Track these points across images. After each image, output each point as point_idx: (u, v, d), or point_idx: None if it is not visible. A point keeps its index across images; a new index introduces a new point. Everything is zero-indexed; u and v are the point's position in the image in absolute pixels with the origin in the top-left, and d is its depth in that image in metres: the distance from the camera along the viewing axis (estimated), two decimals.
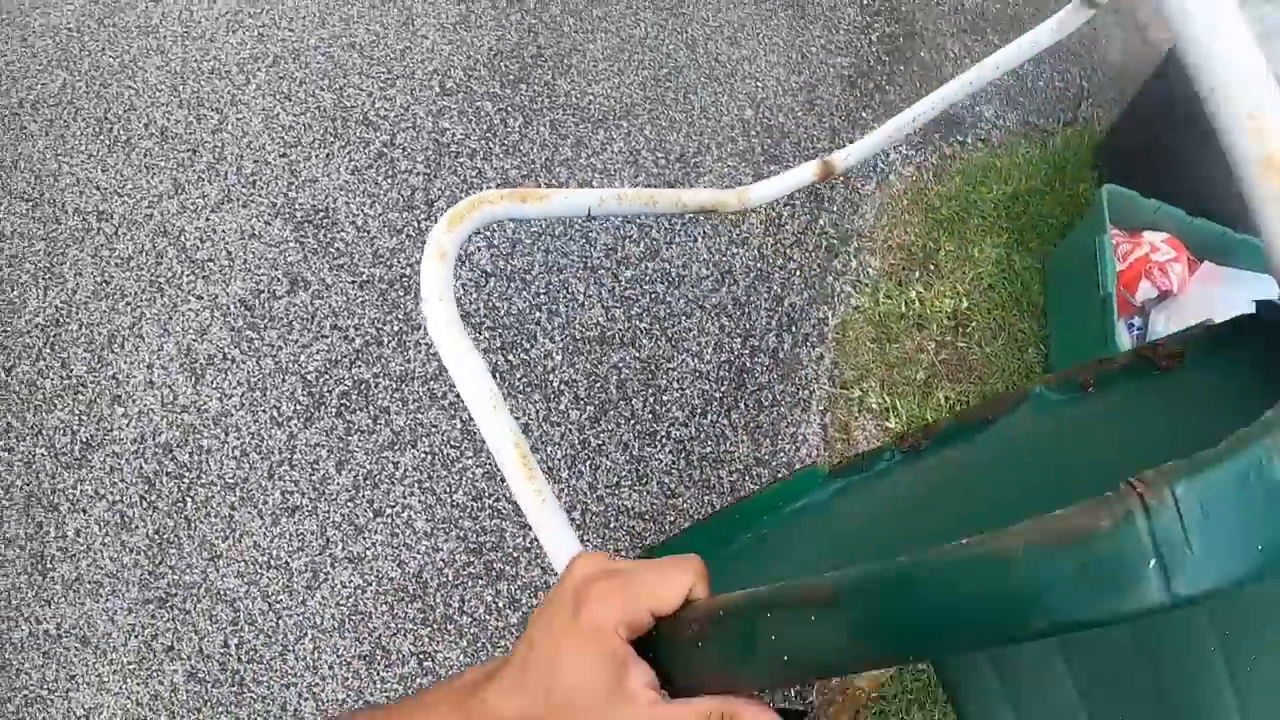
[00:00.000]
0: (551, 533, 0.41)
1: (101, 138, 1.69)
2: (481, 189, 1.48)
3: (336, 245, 1.54)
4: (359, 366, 1.46)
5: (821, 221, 1.60)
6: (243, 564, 1.37)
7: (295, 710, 1.33)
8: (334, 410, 1.44)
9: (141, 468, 1.46)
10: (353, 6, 1.81)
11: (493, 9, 1.77)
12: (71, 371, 1.58)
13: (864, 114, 1.75)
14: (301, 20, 1.82)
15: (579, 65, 1.72)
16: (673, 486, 1.38)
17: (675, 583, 0.26)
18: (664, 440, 1.39)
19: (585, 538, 1.37)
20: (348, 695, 1.28)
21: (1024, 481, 0.36)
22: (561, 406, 1.41)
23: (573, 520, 1.34)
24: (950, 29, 1.92)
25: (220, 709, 1.38)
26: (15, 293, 1.64)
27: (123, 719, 1.40)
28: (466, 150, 1.62)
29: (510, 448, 0.41)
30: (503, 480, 1.42)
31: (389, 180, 1.59)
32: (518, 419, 1.44)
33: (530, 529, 1.22)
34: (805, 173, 0.73)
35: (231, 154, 1.70)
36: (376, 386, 1.46)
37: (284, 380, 1.46)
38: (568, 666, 0.26)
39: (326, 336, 1.49)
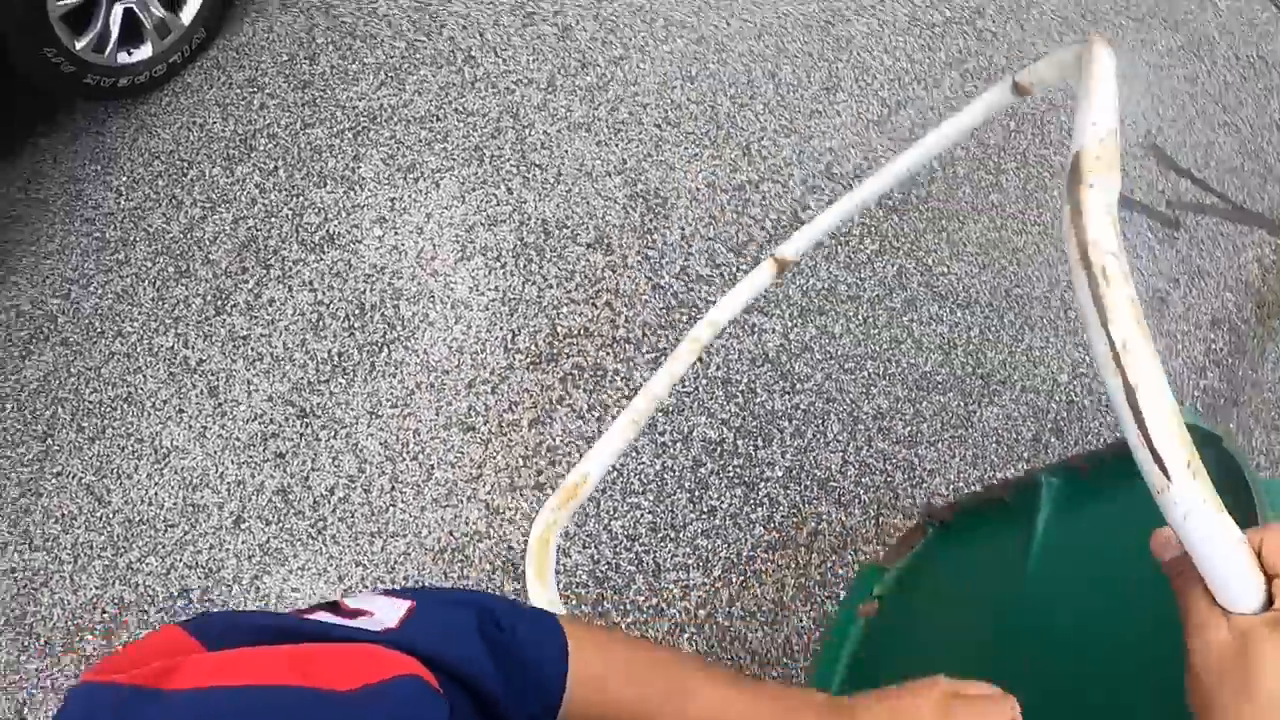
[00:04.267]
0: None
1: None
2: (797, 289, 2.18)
3: (655, 237, 2.24)
4: (607, 352, 2.12)
5: None
6: (393, 438, 2.00)
7: (342, 587, 1.92)
8: (560, 374, 2.10)
9: (364, 292, 2.15)
10: (791, 42, 2.61)
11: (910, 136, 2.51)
12: (357, 170, 2.32)
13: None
14: (742, 22, 2.62)
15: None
16: (789, 640, 1.94)
17: (1004, 714, 0.59)
18: (816, 603, 1.95)
19: (692, 638, 1.93)
20: None
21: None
22: (752, 516, 2.02)
23: (690, 614, 1.92)
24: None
25: (284, 535, 1.99)
26: (355, 69, 2.42)
27: (196, 475, 2.01)
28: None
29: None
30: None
31: (735, 215, 2.31)
32: (710, 498, 2.05)
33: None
34: (762, 277, 1.06)
35: (614, 92, 2.48)
36: (612, 378, 2.11)
37: (535, 316, 2.13)
38: None
39: (597, 308, 2.17)
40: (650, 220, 2.19)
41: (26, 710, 2.04)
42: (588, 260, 2.13)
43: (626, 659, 0.57)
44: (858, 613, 0.89)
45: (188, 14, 2.52)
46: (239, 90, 2.53)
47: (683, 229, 2.20)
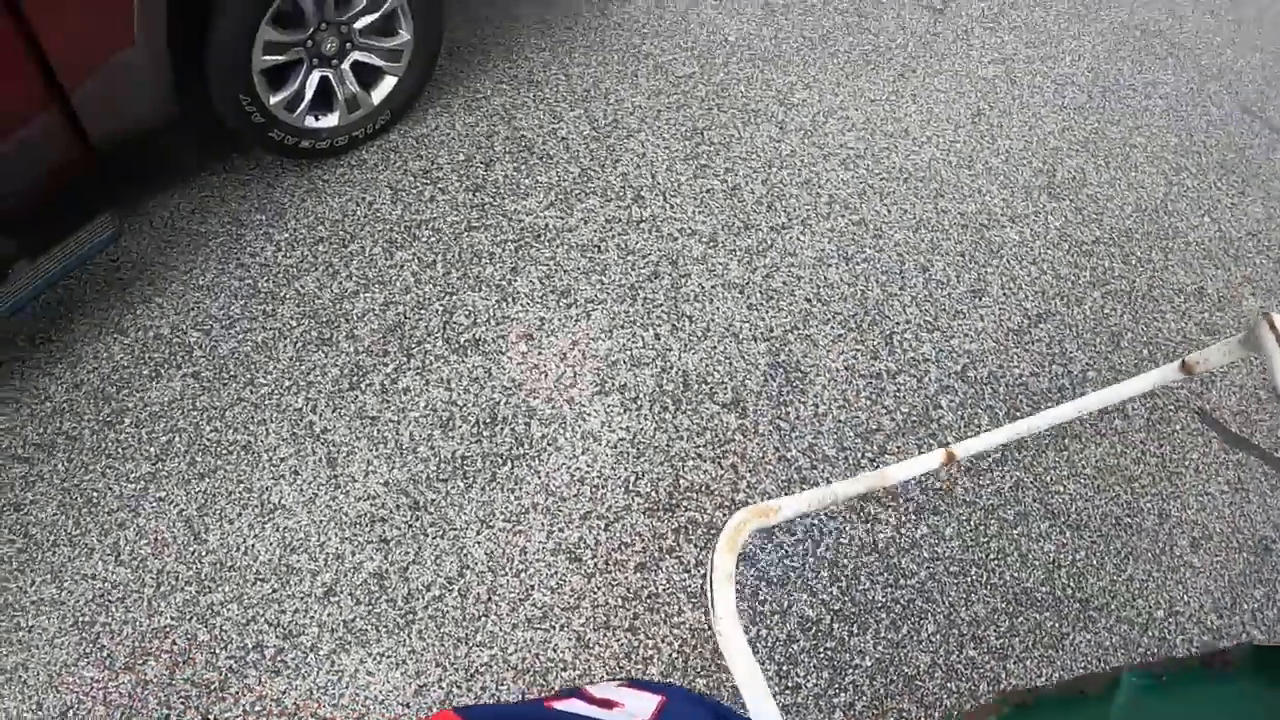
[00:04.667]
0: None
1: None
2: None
3: (789, 409, 2.45)
4: (724, 512, 2.32)
5: None
6: (499, 551, 2.16)
7: (418, 682, 2.03)
8: (675, 525, 2.28)
9: (498, 403, 2.40)
10: (946, 239, 2.90)
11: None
12: (513, 283, 2.61)
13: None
14: (902, 211, 2.94)
15: None
16: None
17: None
18: None
19: None
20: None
21: None
22: (835, 700, 2.16)
23: None
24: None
25: (371, 618, 2.10)
26: (528, 184, 2.66)
27: (297, 538, 2.16)
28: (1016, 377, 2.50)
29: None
30: None
31: (868, 402, 2.53)
32: (796, 675, 2.19)
33: None
34: (933, 460, 1.24)
35: (772, 259, 2.84)
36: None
37: (660, 464, 2.32)
38: None
39: (721, 469, 2.37)
40: (787, 392, 2.40)
41: (72, 714, 2.14)
42: (721, 419, 2.33)
43: None
44: None
45: (378, 94, 2.79)
46: (413, 178, 2.78)
47: (816, 406, 2.40)
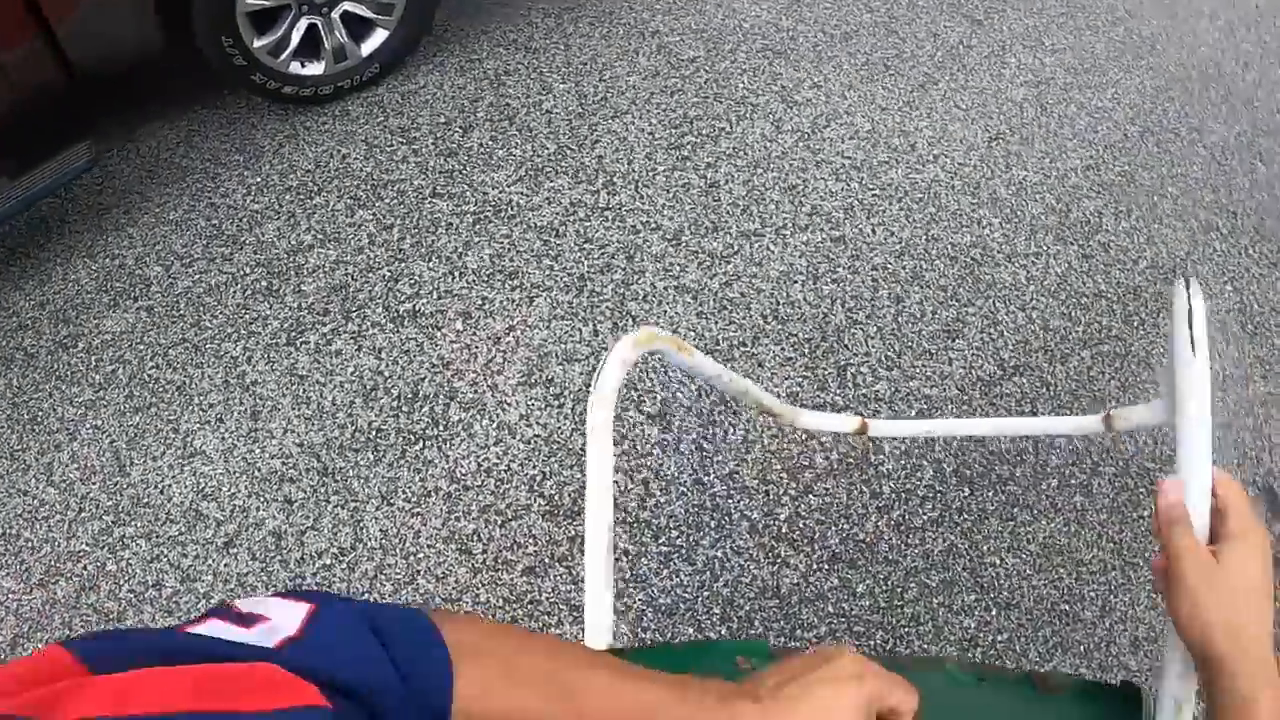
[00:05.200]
0: (599, 603, 0.92)
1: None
2: None
3: (715, 430, 2.39)
4: (623, 530, 2.28)
5: None
6: (394, 530, 2.19)
7: None
8: (572, 533, 2.27)
9: (423, 379, 2.42)
10: (930, 270, 2.77)
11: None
12: (463, 257, 2.61)
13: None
14: (889, 233, 2.85)
15: None
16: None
17: (914, 702, 0.61)
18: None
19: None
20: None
21: None
22: None
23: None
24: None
25: (262, 575, 2.19)
26: (501, 155, 2.63)
27: (210, 485, 2.22)
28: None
29: (603, 531, 0.91)
30: None
31: (804, 436, 2.44)
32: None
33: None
34: (845, 423, 1.35)
35: (735, 266, 2.74)
36: (620, 556, 2.26)
37: (570, 468, 2.31)
38: (838, 713, 0.57)
39: (633, 483, 2.33)
40: (719, 412, 2.35)
41: None
42: (643, 431, 2.30)
43: (506, 660, 0.57)
44: None
45: (368, 46, 2.79)
46: (389, 135, 2.78)
47: (747, 432, 2.35)
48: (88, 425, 2.48)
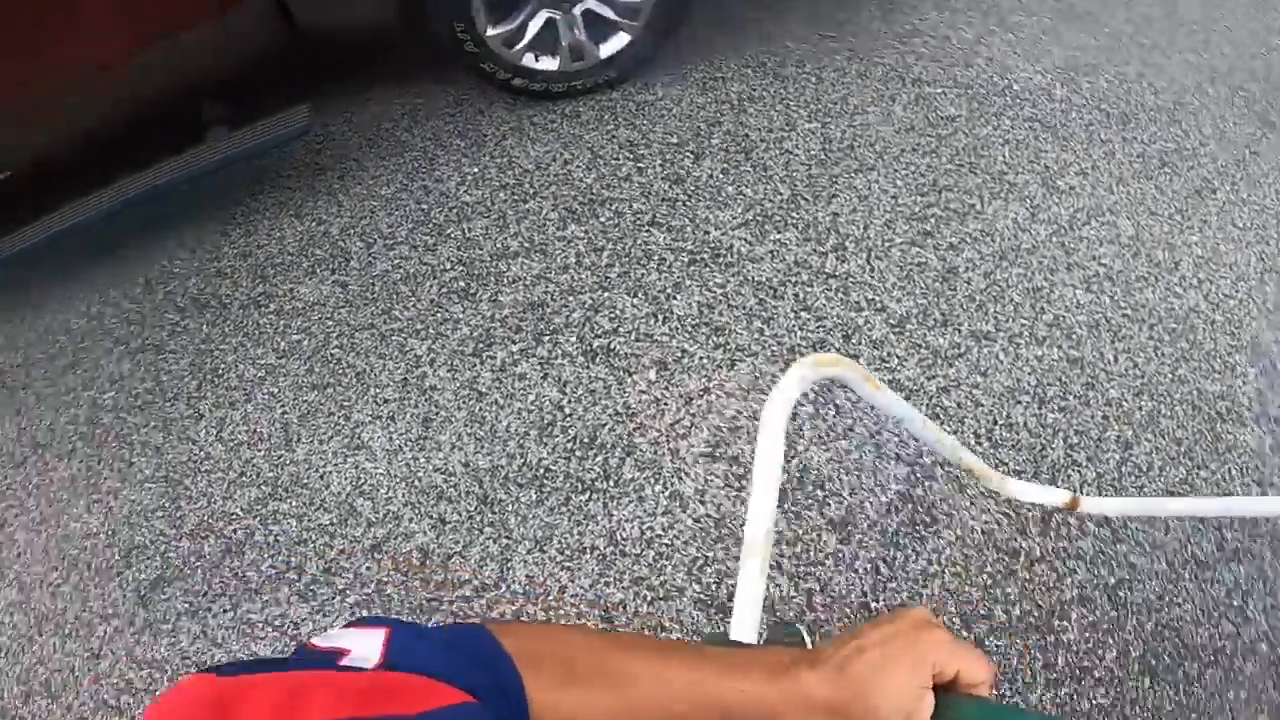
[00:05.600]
0: (748, 600, 0.91)
1: None
2: None
3: (896, 554, 2.21)
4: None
5: None
6: (539, 578, 2.19)
7: None
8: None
9: (603, 427, 2.40)
10: (1169, 418, 2.54)
11: None
12: (670, 300, 2.57)
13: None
14: (1132, 364, 2.62)
15: None
16: None
17: (984, 669, 0.60)
18: None
19: None
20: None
21: None
22: None
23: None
24: None
25: (400, 588, 2.13)
26: (730, 192, 2.47)
27: (369, 484, 2.23)
28: None
29: (763, 531, 0.93)
30: None
31: (991, 579, 2.24)
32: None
33: None
34: (1054, 496, 1.21)
35: (957, 371, 2.58)
36: None
37: (735, 560, 2.15)
38: (891, 680, 0.57)
39: (797, 591, 2.16)
40: (905, 534, 2.17)
41: (136, 555, 2.29)
42: (820, 537, 2.15)
43: (562, 661, 0.60)
44: None
45: (608, 49, 2.72)
46: (617, 148, 2.68)
47: (929, 563, 2.17)
48: (264, 390, 2.50)
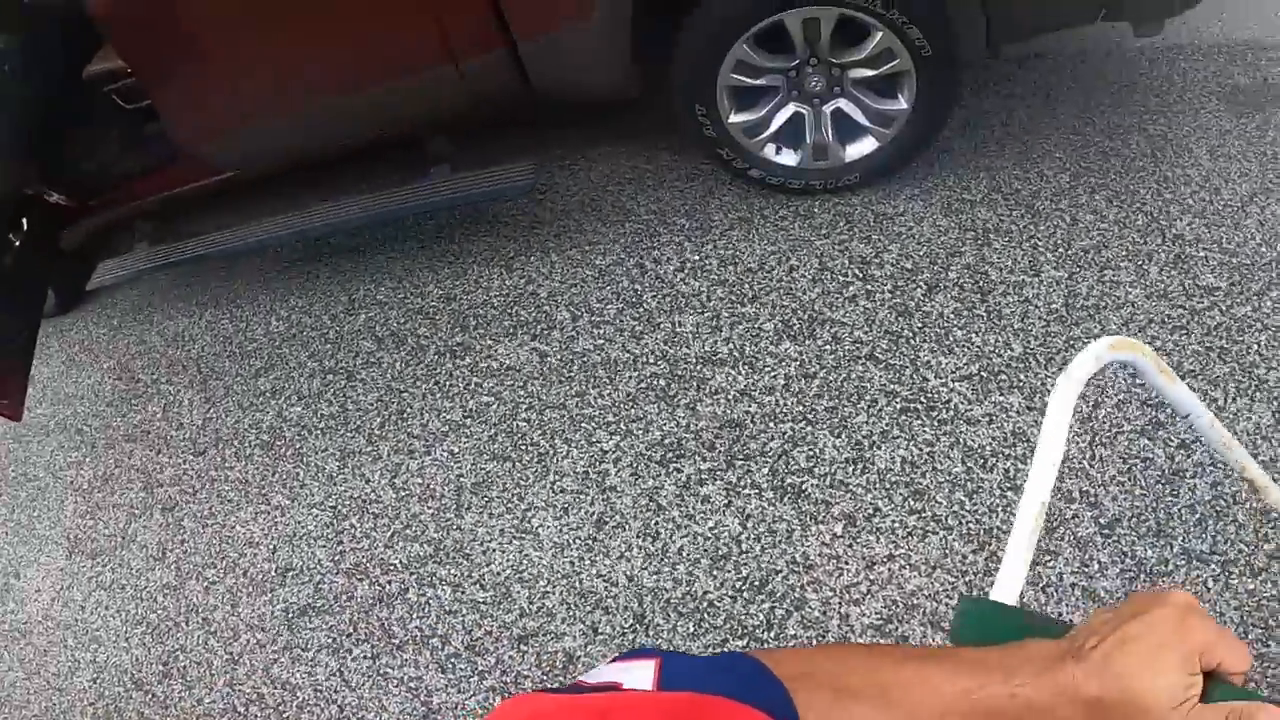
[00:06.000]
0: (1014, 565, 0.93)
1: None
2: None
3: None
4: None
5: None
6: None
7: None
8: None
9: (777, 572, 2.38)
10: None
11: None
12: (872, 449, 2.57)
13: None
14: None
15: None
16: None
17: (1246, 657, 0.60)
18: None
19: None
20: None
21: None
22: None
23: None
24: None
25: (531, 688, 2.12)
26: (958, 336, 2.34)
27: (529, 572, 2.34)
28: None
29: (1037, 504, 0.96)
30: None
31: None
32: None
33: None
34: None
35: None
36: None
37: None
38: (1160, 672, 0.57)
39: None
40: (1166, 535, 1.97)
41: (292, 577, 2.37)
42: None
43: (832, 680, 0.61)
44: None
45: (854, 152, 2.68)
46: (847, 262, 2.60)
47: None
48: (444, 447, 2.53)
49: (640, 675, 0.53)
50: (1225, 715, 0.60)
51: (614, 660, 0.56)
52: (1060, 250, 2.75)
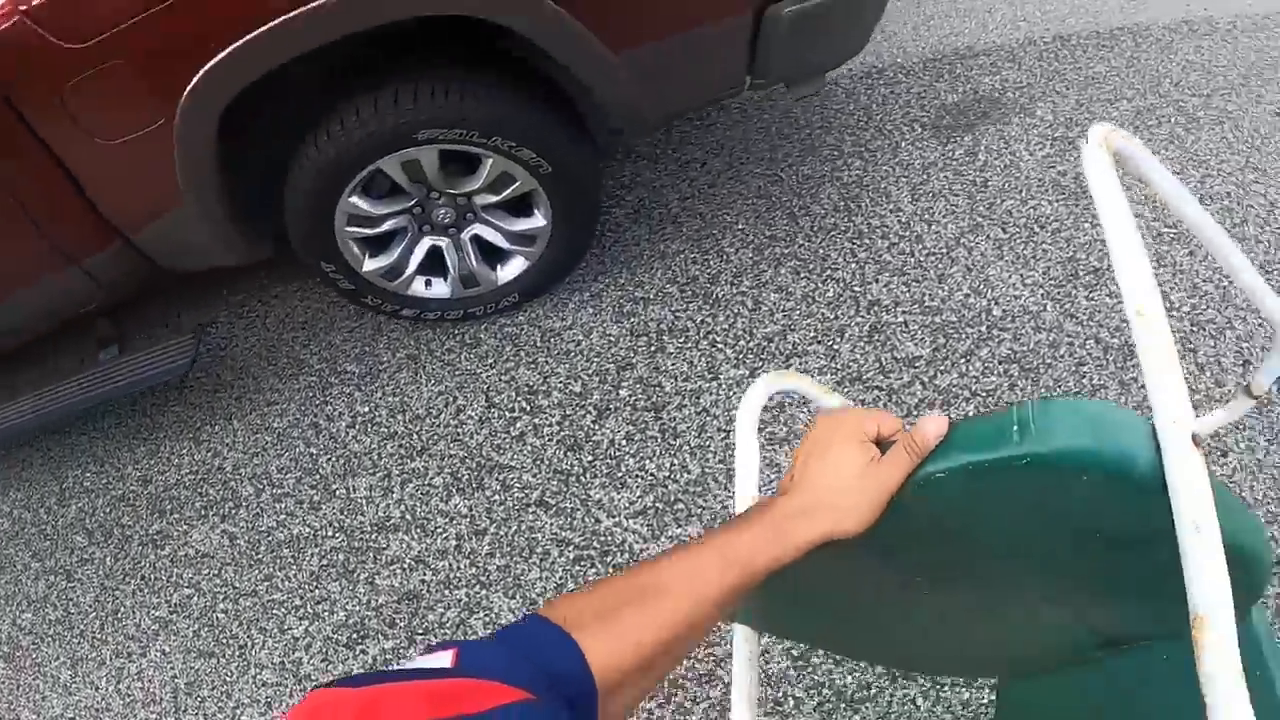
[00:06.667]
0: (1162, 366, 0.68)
1: None
2: None
3: None
4: None
5: None
6: None
7: None
8: None
9: None
10: None
11: None
12: None
13: None
14: None
15: None
16: None
17: (894, 421, 0.79)
18: None
19: None
20: None
21: None
22: None
23: None
24: None
25: None
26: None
27: None
28: None
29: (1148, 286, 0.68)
30: None
31: None
32: None
33: None
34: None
35: None
36: None
37: None
38: (837, 462, 0.75)
39: None
40: None
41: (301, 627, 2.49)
42: None
43: (597, 613, 0.67)
44: None
45: (506, 273, 2.54)
46: (513, 394, 2.60)
47: None
48: (158, 647, 2.57)
49: (439, 663, 0.57)
50: (902, 447, 0.74)
51: (423, 653, 0.60)
52: (741, 343, 2.59)
